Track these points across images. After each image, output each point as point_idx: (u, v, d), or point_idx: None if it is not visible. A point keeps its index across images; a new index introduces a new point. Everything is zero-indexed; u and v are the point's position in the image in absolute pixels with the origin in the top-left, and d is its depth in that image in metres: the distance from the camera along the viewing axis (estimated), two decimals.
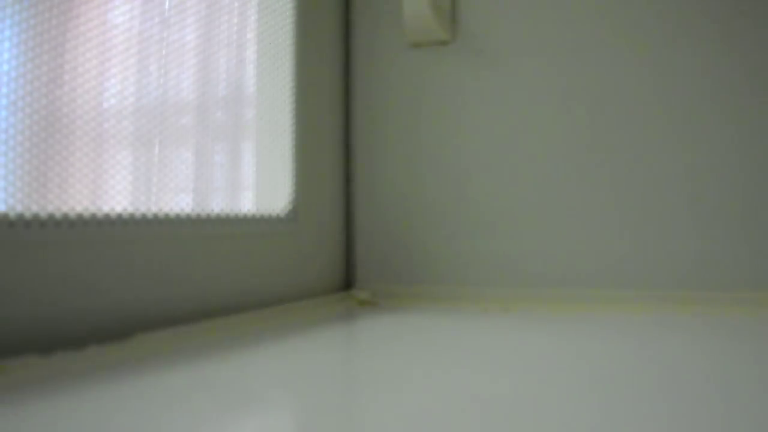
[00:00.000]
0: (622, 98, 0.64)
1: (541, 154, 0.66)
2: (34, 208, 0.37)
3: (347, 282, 0.72)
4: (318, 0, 0.67)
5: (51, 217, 0.38)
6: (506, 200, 0.67)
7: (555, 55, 0.66)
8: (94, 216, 0.40)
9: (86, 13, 0.40)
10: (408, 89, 0.71)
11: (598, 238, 0.64)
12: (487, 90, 0.68)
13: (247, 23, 0.55)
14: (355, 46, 0.73)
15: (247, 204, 0.56)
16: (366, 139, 0.72)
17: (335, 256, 0.70)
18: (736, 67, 0.61)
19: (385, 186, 0.71)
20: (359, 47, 0.73)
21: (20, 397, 0.32)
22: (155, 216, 0.45)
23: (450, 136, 0.69)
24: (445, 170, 0.69)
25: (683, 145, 0.62)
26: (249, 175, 0.56)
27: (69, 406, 0.31)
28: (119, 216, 0.42)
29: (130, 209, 0.43)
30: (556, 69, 0.66)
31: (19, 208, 0.36)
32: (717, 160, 0.61)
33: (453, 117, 0.69)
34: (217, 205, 0.52)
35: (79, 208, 0.40)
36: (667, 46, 0.63)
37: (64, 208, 0.39)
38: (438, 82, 0.70)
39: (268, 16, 0.58)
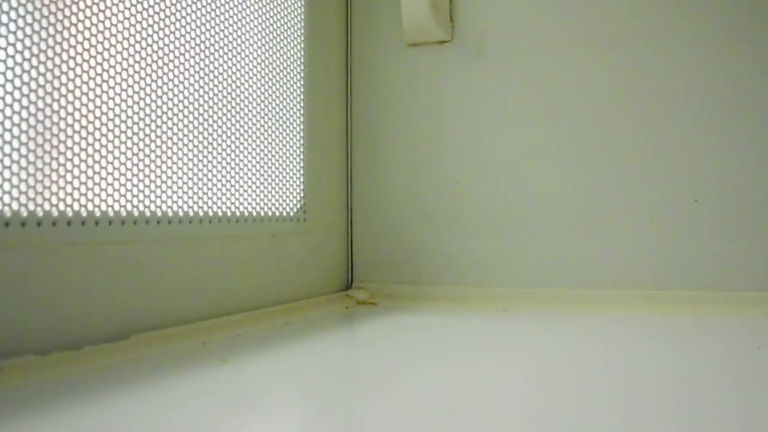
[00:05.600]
0: (622, 97, 0.64)
1: (540, 153, 0.66)
2: (31, 207, 0.37)
3: (348, 282, 0.72)
4: (322, 0, 0.67)
5: (48, 215, 0.37)
6: (506, 200, 0.67)
7: (554, 54, 0.66)
8: (91, 215, 0.40)
9: (86, 10, 0.40)
10: (407, 89, 0.71)
11: (598, 237, 0.64)
12: (486, 89, 0.68)
13: (255, 21, 0.55)
14: (355, 45, 0.73)
15: (254, 204, 0.55)
16: (365, 138, 0.72)
17: (338, 255, 0.70)
18: (741, 66, 0.61)
19: (384, 185, 0.71)
20: (359, 47, 0.73)
21: (17, 398, 0.32)
22: (155, 216, 0.45)
23: (449, 136, 0.69)
24: (444, 169, 0.69)
25: (684, 144, 0.62)
26: (257, 175, 0.56)
27: (67, 406, 0.30)
28: (117, 214, 0.42)
29: (130, 208, 0.43)
30: (556, 68, 0.66)
31: (15, 207, 0.36)
32: (719, 159, 0.61)
33: (452, 116, 0.69)
34: (223, 205, 0.51)
35: (77, 207, 0.39)
36: (670, 45, 0.62)
37: (62, 207, 0.38)
38: (437, 81, 0.69)
39: (277, 15, 0.58)
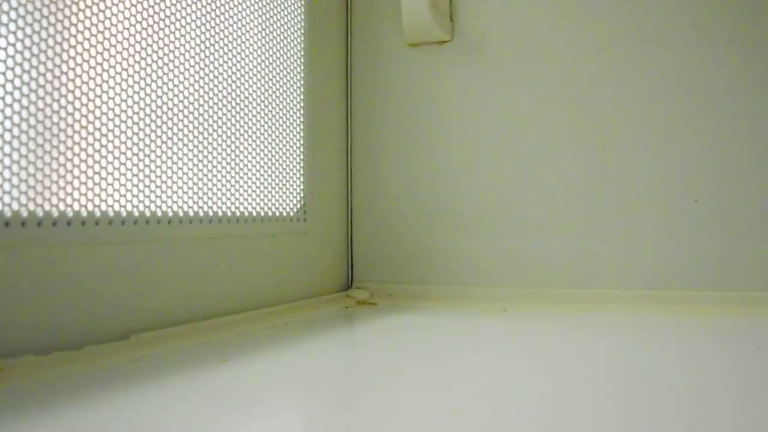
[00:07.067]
0: (622, 97, 0.64)
1: (540, 153, 0.66)
2: (31, 207, 0.37)
3: (348, 282, 0.72)
4: (322, 0, 0.67)
5: (48, 215, 0.37)
6: (505, 200, 0.67)
7: (554, 54, 0.66)
8: (91, 215, 0.40)
9: (86, 11, 0.40)
10: (407, 89, 0.71)
11: (598, 237, 0.64)
12: (486, 89, 0.68)
13: (255, 21, 0.55)
14: (355, 45, 0.73)
15: (254, 204, 0.55)
16: (365, 138, 0.72)
17: (338, 255, 0.70)
18: (743, 66, 0.61)
19: (384, 185, 0.71)
20: (359, 47, 0.73)
21: (17, 398, 0.32)
22: (155, 216, 0.45)
23: (449, 136, 0.69)
24: (444, 169, 0.69)
25: (685, 144, 0.62)
26: (257, 175, 0.56)
27: (67, 406, 0.30)
28: (117, 214, 0.42)
29: (130, 208, 0.43)
30: (556, 68, 0.66)
31: (15, 207, 0.36)
32: (719, 159, 0.61)
33: (452, 116, 0.69)
34: (223, 205, 0.51)
35: (77, 207, 0.39)
36: (671, 45, 0.62)
37: (62, 207, 0.38)
38: (437, 81, 0.69)
39: (277, 15, 0.58)
